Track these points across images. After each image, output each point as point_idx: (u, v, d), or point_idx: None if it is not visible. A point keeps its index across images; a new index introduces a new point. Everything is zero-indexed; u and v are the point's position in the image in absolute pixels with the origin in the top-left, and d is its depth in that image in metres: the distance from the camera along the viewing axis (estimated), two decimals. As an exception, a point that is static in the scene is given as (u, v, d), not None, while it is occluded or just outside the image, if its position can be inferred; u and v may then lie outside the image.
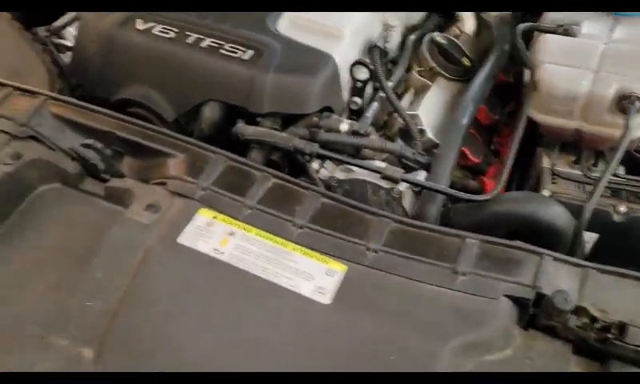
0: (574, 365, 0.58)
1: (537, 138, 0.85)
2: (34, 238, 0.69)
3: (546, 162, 0.82)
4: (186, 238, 0.63)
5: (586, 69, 0.77)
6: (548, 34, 0.83)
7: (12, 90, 0.78)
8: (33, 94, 0.77)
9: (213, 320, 0.60)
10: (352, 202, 0.65)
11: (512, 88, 0.97)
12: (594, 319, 0.58)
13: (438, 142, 0.83)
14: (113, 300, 0.61)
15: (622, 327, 0.57)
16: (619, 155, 0.71)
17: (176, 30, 0.82)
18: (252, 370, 0.57)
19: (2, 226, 0.69)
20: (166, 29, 0.83)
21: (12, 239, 0.69)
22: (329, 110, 0.80)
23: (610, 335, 0.57)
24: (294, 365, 0.57)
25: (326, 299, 0.59)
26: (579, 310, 0.58)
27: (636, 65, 0.77)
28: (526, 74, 0.84)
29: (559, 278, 0.60)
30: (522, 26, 0.85)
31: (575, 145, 0.81)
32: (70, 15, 0.97)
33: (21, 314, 0.62)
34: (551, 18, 0.86)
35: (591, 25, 0.83)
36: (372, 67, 0.83)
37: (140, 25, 0.83)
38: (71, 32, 0.99)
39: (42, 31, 0.93)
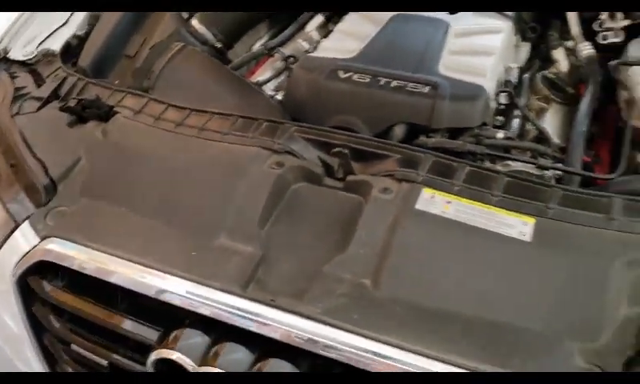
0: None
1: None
2: (302, 217, 0.98)
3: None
4: (421, 206, 0.93)
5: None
6: (633, 66, 1.16)
7: (263, 121, 1.10)
8: (280, 123, 1.09)
9: (452, 258, 0.88)
10: (531, 179, 0.96)
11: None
12: None
13: (563, 145, 1.14)
14: (379, 248, 0.89)
15: None
16: None
17: (369, 77, 1.15)
18: (480, 291, 0.85)
19: (274, 213, 0.99)
20: (361, 76, 1.16)
21: (284, 221, 0.99)
22: (485, 124, 1.12)
23: None
24: (508, 288, 0.85)
25: (527, 239, 0.88)
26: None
27: None
28: (622, 95, 1.16)
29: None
30: (614, 62, 1.18)
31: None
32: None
33: (348, 260, 0.90)
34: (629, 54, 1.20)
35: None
36: (512, 93, 1.15)
37: (342, 73, 1.16)
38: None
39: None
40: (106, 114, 1.19)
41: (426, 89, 1.11)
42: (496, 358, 0.78)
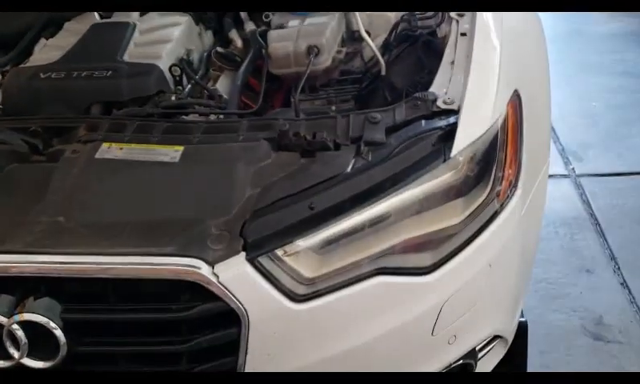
0: (300, 160, 1.22)
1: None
2: (14, 190, 1.21)
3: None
4: (99, 155, 1.21)
5: (291, 40, 1.49)
6: (271, 31, 1.55)
7: (-28, 123, 1.32)
8: (-13, 121, 1.32)
9: (120, 185, 1.17)
10: (187, 120, 1.28)
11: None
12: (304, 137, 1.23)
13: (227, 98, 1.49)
14: (68, 192, 1.16)
15: (314, 135, 1.23)
16: (305, 76, 1.42)
17: (64, 73, 1.43)
18: (142, 202, 1.14)
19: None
20: (58, 73, 1.43)
21: (4, 195, 1.20)
22: (163, 92, 1.44)
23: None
24: (161, 196, 1.16)
25: (177, 160, 1.20)
26: (297, 134, 1.23)
27: (314, 35, 1.50)
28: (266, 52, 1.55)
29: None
30: (258, 30, 1.57)
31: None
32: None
33: (26, 215, 1.14)
34: (274, 21, 1.59)
35: (293, 22, 1.56)
36: (181, 66, 1.49)
37: (42, 74, 1.43)
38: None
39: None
40: None
41: (109, 73, 1.41)
42: (151, 240, 1.08)
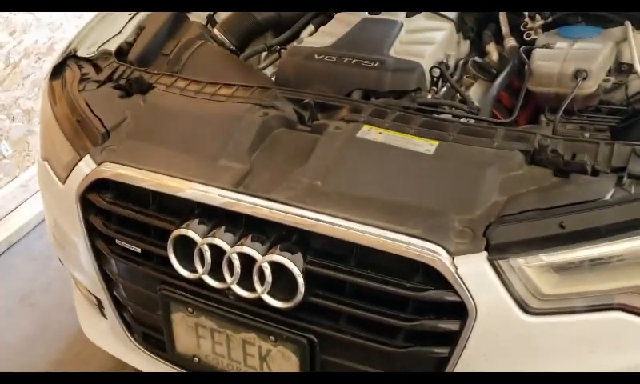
0: (552, 178, 1.21)
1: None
2: (280, 150, 1.37)
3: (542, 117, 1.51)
4: (360, 135, 1.32)
5: (559, 61, 1.47)
6: (537, 49, 1.54)
7: (256, 87, 1.52)
8: (268, 88, 1.51)
9: (376, 164, 1.26)
10: (443, 118, 1.34)
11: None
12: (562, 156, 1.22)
13: (479, 106, 1.52)
14: (329, 162, 1.28)
15: (573, 156, 1.21)
16: (569, 98, 1.40)
17: (334, 58, 1.57)
18: (393, 184, 1.22)
19: (261, 146, 1.38)
20: (330, 57, 1.57)
21: (267, 151, 1.38)
22: (420, 90, 1.52)
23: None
24: (412, 183, 1.22)
25: (431, 153, 1.26)
26: (555, 151, 1.22)
27: (584, 59, 1.47)
28: (527, 69, 1.55)
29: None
30: (521, 47, 1.57)
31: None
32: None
33: (306, 170, 1.29)
34: (539, 40, 1.58)
35: (561, 43, 1.54)
36: (441, 68, 1.55)
37: (317, 56, 1.58)
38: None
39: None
40: (146, 88, 1.62)
41: (376, 64, 1.52)
42: (398, 219, 1.15)
